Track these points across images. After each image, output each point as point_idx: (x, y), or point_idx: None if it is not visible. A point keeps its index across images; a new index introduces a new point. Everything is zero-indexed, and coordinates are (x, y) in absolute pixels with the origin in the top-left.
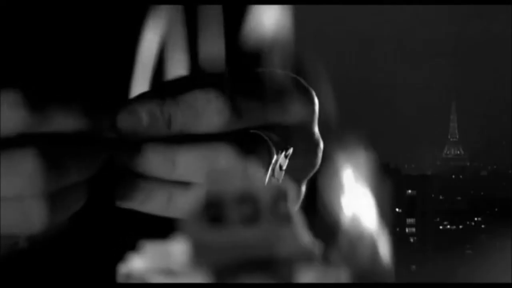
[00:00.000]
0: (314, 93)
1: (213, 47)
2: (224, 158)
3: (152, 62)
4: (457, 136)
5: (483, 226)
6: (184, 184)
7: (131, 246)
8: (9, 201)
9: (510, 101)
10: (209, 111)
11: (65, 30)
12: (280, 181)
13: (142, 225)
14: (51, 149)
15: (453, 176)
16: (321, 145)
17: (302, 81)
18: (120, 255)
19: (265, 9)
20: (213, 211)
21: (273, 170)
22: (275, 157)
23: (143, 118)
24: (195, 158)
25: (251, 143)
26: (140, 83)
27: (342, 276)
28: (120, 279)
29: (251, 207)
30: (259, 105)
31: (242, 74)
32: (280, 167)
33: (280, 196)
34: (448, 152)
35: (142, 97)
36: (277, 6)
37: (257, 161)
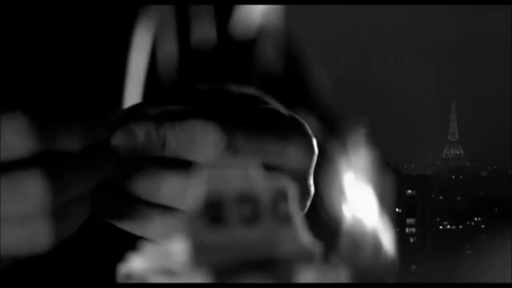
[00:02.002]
0: (315, 142)
1: (206, 43)
2: (193, 189)
3: (145, 62)
4: (457, 136)
5: (483, 226)
6: (163, 209)
7: (131, 246)
8: (14, 224)
9: (510, 101)
10: (204, 142)
11: (58, 35)
12: None
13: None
14: (53, 168)
15: (453, 176)
16: (312, 192)
17: (307, 127)
18: (120, 255)
19: (259, 7)
20: (213, 211)
21: None
22: None
23: (139, 138)
24: (179, 185)
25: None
26: (134, 85)
27: (342, 276)
28: (120, 279)
29: (251, 207)
30: (257, 146)
31: (245, 109)
32: None
33: (280, 196)
34: (448, 152)
35: (140, 114)
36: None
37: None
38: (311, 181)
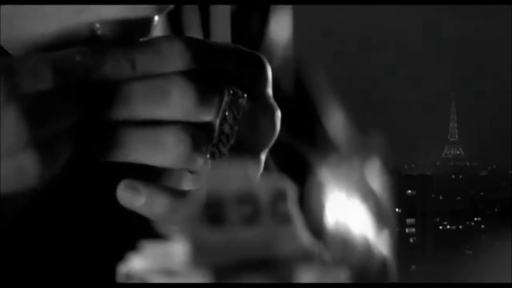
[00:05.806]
0: (265, 58)
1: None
2: (176, 89)
3: None
4: (457, 136)
5: (483, 226)
6: (139, 125)
7: (131, 246)
8: (1, 160)
9: (510, 101)
10: (172, 53)
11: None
12: (235, 129)
13: (142, 225)
14: (30, 100)
15: (453, 176)
16: (278, 113)
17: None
18: (120, 255)
19: (262, 11)
20: (213, 211)
21: (224, 111)
22: (226, 97)
23: (107, 62)
24: (154, 94)
25: (203, 79)
26: None
27: (342, 276)
28: (120, 279)
29: (251, 207)
30: (220, 55)
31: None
32: (234, 113)
33: (279, 196)
34: (448, 152)
35: (107, 42)
36: (276, 7)
37: (207, 96)
38: (271, 97)
